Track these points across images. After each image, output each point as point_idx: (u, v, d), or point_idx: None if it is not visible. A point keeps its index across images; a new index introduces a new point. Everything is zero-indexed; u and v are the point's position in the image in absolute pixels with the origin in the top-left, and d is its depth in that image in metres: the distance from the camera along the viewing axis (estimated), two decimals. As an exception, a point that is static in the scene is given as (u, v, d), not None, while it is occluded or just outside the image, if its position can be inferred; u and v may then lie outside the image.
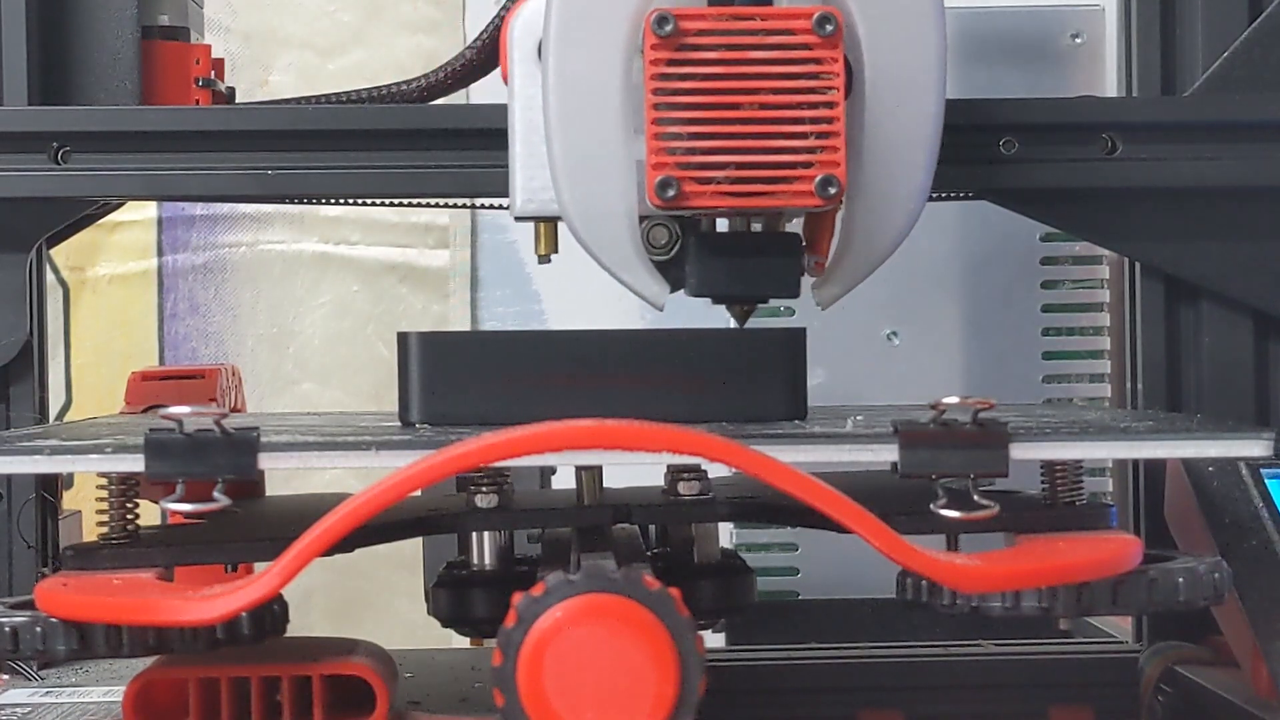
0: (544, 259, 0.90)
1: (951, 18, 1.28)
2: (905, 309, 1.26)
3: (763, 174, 0.78)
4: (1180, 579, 0.74)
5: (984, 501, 0.73)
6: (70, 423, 1.06)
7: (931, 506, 0.73)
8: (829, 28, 0.77)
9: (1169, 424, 0.82)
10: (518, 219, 0.87)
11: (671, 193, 0.77)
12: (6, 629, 0.71)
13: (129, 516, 0.80)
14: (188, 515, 0.73)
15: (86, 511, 1.07)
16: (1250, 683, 0.83)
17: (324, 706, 0.75)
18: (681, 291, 0.86)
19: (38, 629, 0.71)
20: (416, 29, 1.66)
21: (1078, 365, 1.26)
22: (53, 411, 1.16)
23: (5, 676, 0.95)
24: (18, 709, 0.87)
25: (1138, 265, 1.02)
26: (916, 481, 0.73)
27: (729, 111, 0.78)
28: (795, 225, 0.87)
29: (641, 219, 0.83)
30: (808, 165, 0.78)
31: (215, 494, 0.71)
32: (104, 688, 0.92)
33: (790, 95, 0.78)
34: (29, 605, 0.73)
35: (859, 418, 0.83)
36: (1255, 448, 0.74)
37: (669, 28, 0.77)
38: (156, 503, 0.78)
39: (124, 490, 0.79)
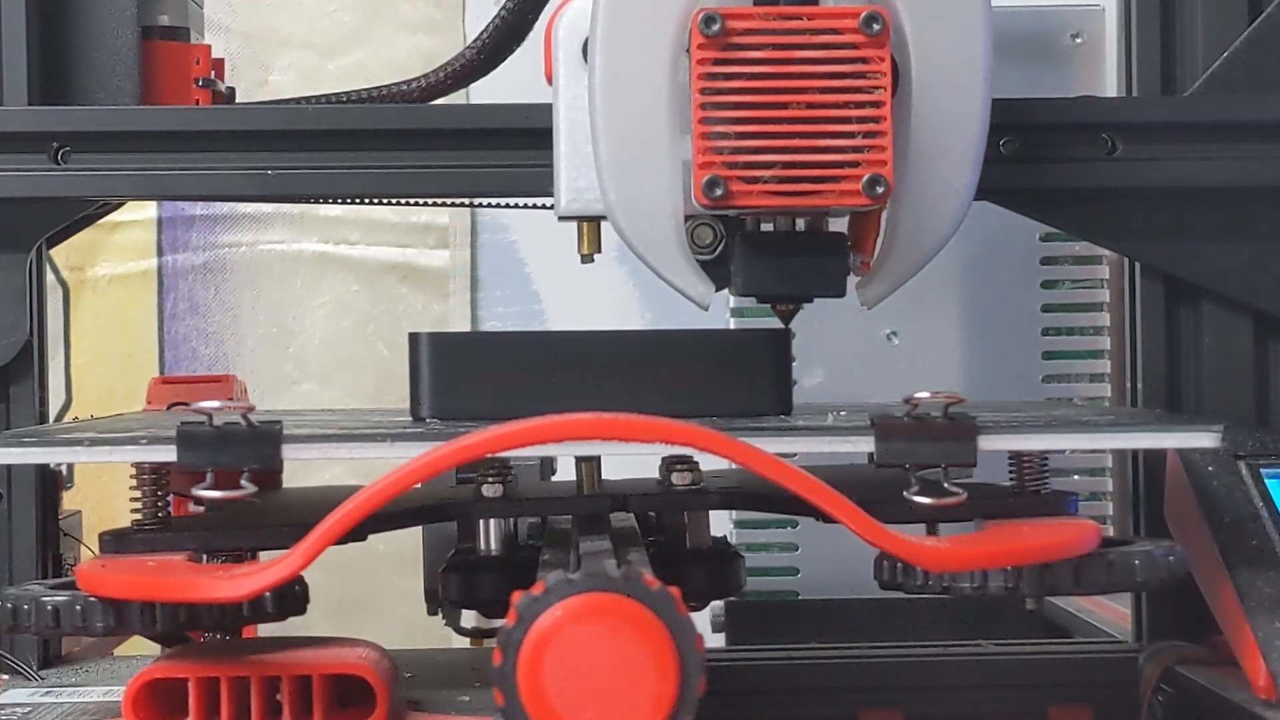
0: (587, 258, 0.90)
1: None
2: (905, 309, 1.26)
3: (810, 173, 0.78)
4: (1137, 561, 0.79)
5: (954, 489, 0.78)
6: (100, 418, 1.07)
7: (905, 494, 0.78)
8: (876, 27, 0.78)
9: (1128, 418, 0.86)
10: (562, 219, 0.88)
11: (719, 192, 0.78)
12: (49, 607, 0.76)
13: (160, 504, 0.85)
14: (217, 502, 0.78)
15: (87, 511, 1.07)
16: (1250, 683, 0.83)
17: (324, 706, 0.75)
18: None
19: (78, 607, 0.75)
20: (416, 29, 1.66)
21: (1078, 365, 1.26)
22: (52, 411, 1.16)
23: (5, 676, 0.95)
24: (18, 709, 0.87)
25: (1138, 265, 1.02)
26: (894, 472, 0.78)
27: (776, 111, 0.78)
28: (839, 224, 0.87)
29: (686, 218, 0.83)
30: (855, 165, 0.78)
31: (243, 482, 0.77)
32: (104, 688, 0.92)
33: (837, 94, 0.78)
34: (69, 586, 0.78)
35: (841, 413, 0.87)
36: (1205, 439, 0.79)
37: (716, 27, 0.77)
38: (181, 495, 0.85)
39: (156, 480, 0.85)
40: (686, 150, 0.79)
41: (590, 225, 0.89)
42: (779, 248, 0.85)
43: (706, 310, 0.84)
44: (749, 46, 0.78)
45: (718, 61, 0.78)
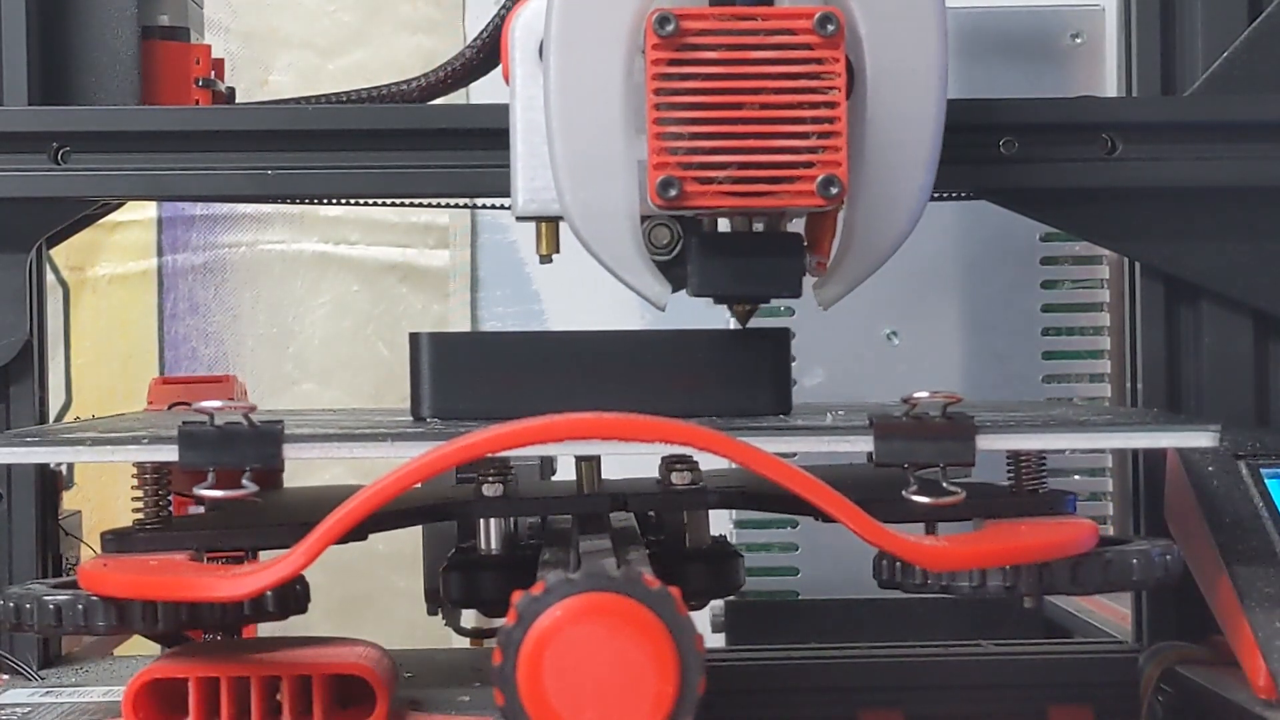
0: (545, 259, 0.90)
1: (952, 18, 1.28)
2: (905, 309, 1.26)
3: (764, 174, 0.78)
4: (1134, 560, 0.79)
5: (952, 488, 0.78)
6: (101, 418, 1.07)
7: (904, 493, 0.78)
8: (830, 27, 0.78)
9: (1126, 418, 0.86)
10: (519, 219, 0.88)
11: (673, 192, 0.78)
12: (51, 605, 0.76)
13: (162, 504, 0.85)
14: (219, 501, 0.78)
15: (87, 512, 1.07)
16: (1250, 683, 0.83)
17: (324, 706, 0.75)
18: (681, 292, 0.87)
19: (80, 606, 0.76)
20: (416, 29, 1.66)
21: (1078, 365, 1.26)
22: (52, 411, 1.16)
23: (5, 676, 0.95)
24: (18, 709, 0.87)
25: (1138, 265, 1.02)
26: (893, 472, 0.78)
27: (730, 111, 0.78)
28: (797, 225, 0.87)
29: (643, 219, 0.83)
30: (809, 165, 0.78)
31: (244, 481, 0.77)
32: (104, 688, 0.92)
33: (792, 95, 0.78)
34: (71, 585, 0.79)
35: (840, 412, 0.86)
36: (1203, 439, 0.80)
37: (670, 28, 0.77)
38: (183, 495, 0.84)
39: (158, 479, 0.85)
40: (642, 151, 0.79)
41: (549, 225, 0.89)
42: (735, 248, 0.85)
43: (663, 310, 0.83)
44: (703, 47, 0.78)
45: (672, 62, 0.77)
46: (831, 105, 0.78)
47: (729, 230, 0.87)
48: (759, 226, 0.86)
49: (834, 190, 0.78)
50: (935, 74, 0.82)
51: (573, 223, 0.82)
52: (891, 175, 0.82)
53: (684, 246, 0.86)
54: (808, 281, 0.86)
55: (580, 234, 0.82)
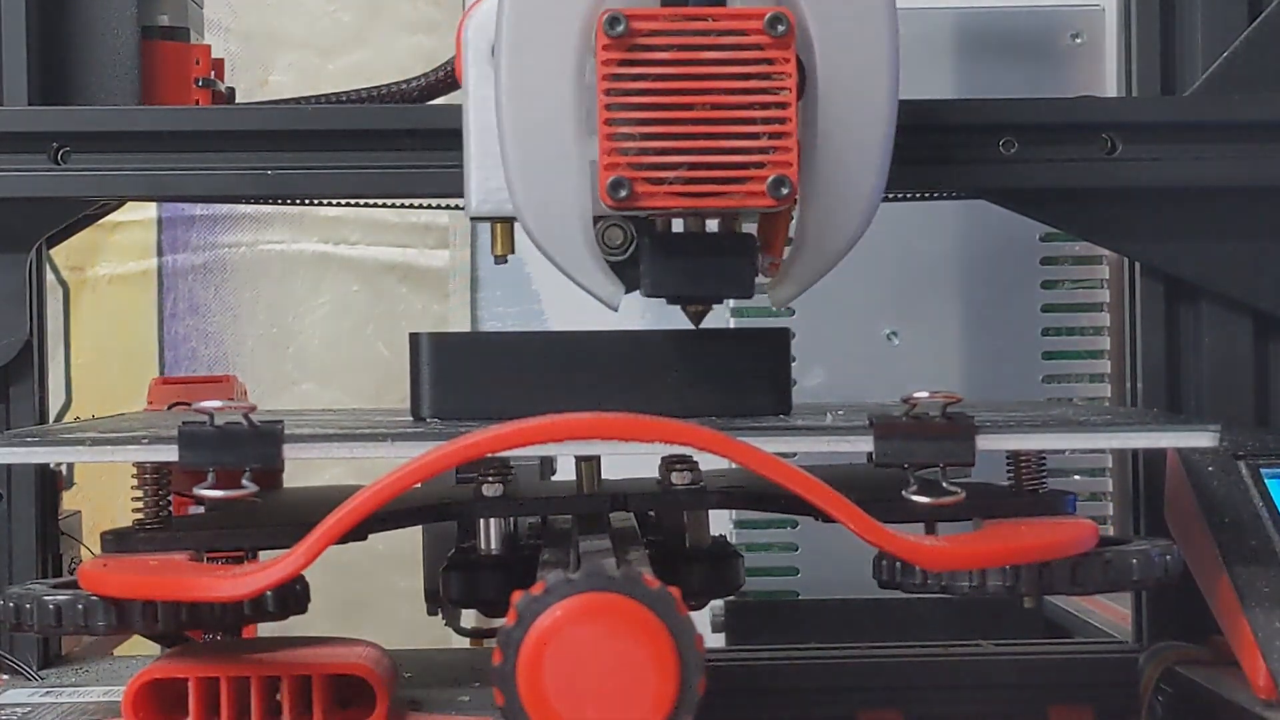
0: (500, 259, 0.91)
1: (952, 17, 1.29)
2: (905, 309, 1.26)
3: (715, 174, 0.78)
4: (1134, 560, 0.79)
5: (952, 488, 0.78)
6: (101, 418, 1.07)
7: (904, 493, 0.78)
8: (780, 28, 0.77)
9: (1126, 418, 0.86)
10: (473, 219, 0.88)
11: (624, 193, 0.77)
12: (51, 606, 0.76)
13: (162, 504, 0.85)
14: (219, 501, 0.78)
15: (87, 512, 1.07)
16: (1250, 683, 0.83)
17: (324, 706, 0.75)
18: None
19: (80, 606, 0.76)
20: (416, 29, 1.66)
21: (1078, 365, 1.26)
22: (52, 411, 1.16)
23: (5, 676, 0.95)
24: (18, 709, 0.87)
25: (1138, 265, 1.02)
26: (893, 472, 0.79)
27: (681, 112, 0.77)
28: (751, 226, 0.87)
29: (597, 220, 0.83)
30: (760, 166, 0.77)
31: (244, 481, 0.77)
32: (104, 688, 0.92)
33: (742, 95, 0.77)
34: (71, 585, 0.79)
35: (840, 412, 0.87)
36: (1203, 439, 0.80)
37: (621, 28, 0.77)
38: (183, 495, 0.84)
39: (158, 479, 0.85)
40: (593, 151, 0.79)
41: (503, 226, 0.89)
42: (687, 249, 0.85)
43: (616, 311, 0.83)
44: (654, 47, 0.77)
45: (623, 63, 0.77)
46: (782, 106, 0.77)
47: (681, 231, 0.87)
48: (713, 227, 0.86)
49: (784, 191, 0.77)
50: (886, 75, 0.81)
51: (525, 223, 0.82)
52: (844, 176, 0.82)
53: (637, 247, 0.86)
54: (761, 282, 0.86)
55: (533, 234, 0.82)
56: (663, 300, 0.86)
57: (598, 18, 0.77)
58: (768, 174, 0.77)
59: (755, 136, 0.77)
